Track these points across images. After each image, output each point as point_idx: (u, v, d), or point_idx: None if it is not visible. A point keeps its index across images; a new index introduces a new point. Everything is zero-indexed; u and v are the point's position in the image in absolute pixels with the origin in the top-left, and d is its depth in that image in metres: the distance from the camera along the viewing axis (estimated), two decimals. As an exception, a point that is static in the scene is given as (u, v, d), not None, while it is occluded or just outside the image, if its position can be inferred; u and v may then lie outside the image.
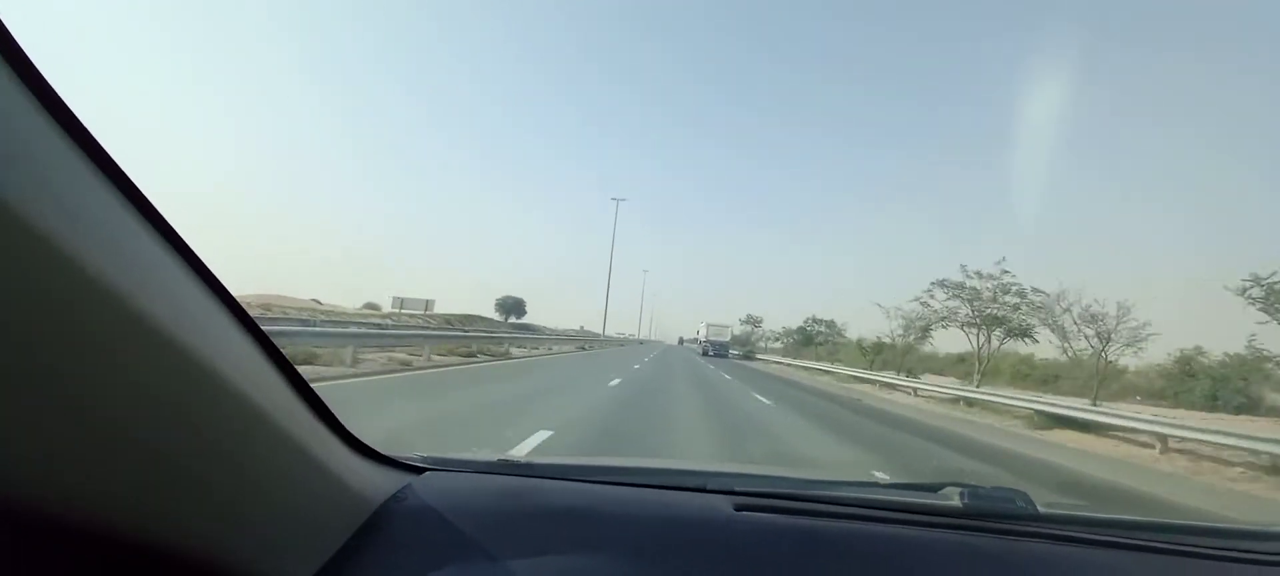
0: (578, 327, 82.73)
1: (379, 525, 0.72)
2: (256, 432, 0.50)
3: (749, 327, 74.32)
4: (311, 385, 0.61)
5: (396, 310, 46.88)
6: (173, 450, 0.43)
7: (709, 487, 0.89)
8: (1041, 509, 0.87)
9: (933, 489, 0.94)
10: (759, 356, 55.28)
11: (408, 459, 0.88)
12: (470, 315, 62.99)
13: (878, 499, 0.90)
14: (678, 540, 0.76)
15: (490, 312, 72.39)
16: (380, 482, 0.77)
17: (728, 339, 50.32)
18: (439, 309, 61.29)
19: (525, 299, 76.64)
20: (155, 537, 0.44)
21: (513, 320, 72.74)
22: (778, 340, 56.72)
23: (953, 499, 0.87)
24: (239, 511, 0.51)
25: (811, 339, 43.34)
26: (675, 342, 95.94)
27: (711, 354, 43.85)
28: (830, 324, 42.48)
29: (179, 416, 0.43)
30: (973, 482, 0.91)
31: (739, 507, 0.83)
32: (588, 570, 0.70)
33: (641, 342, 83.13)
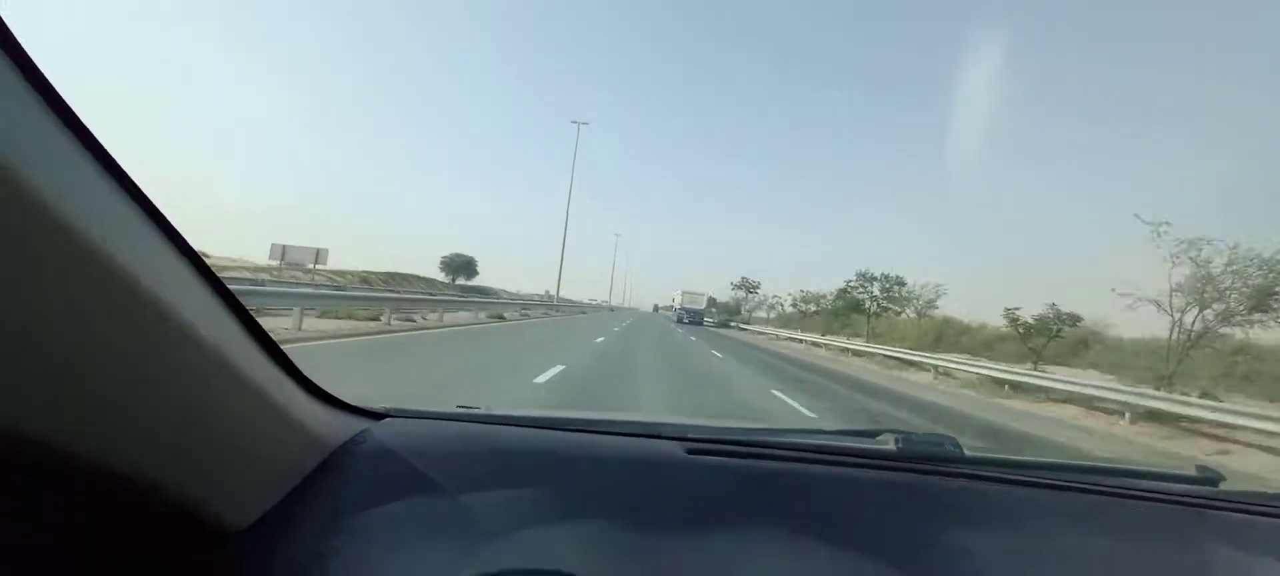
0: (543, 292, 71.85)
1: (337, 464, 0.74)
2: (214, 376, 0.52)
3: (742, 293, 62.17)
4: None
5: (276, 264, 33.77)
6: (132, 393, 0.46)
7: (663, 435, 0.92)
8: (968, 453, 0.94)
9: (871, 435, 0.99)
10: (751, 327, 44.16)
11: (368, 407, 0.89)
12: (401, 274, 49.83)
13: (820, 444, 0.96)
14: (631, 478, 0.79)
15: (436, 272, 59.35)
16: (339, 426, 0.79)
17: (702, 306, 48.69)
18: (386, 267, 48.52)
19: (476, 259, 63.57)
20: (113, 472, 0.47)
21: (461, 281, 60.19)
22: (795, 307, 42.60)
23: (888, 444, 0.93)
24: (195, 450, 0.54)
25: (859, 306, 28.12)
26: (650, 310, 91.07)
27: (686, 321, 42.90)
28: (897, 283, 26.56)
29: (139, 361, 0.45)
30: (906, 430, 0.96)
31: (691, 451, 0.86)
32: (542, 504, 0.71)
33: (613, 310, 73.01)
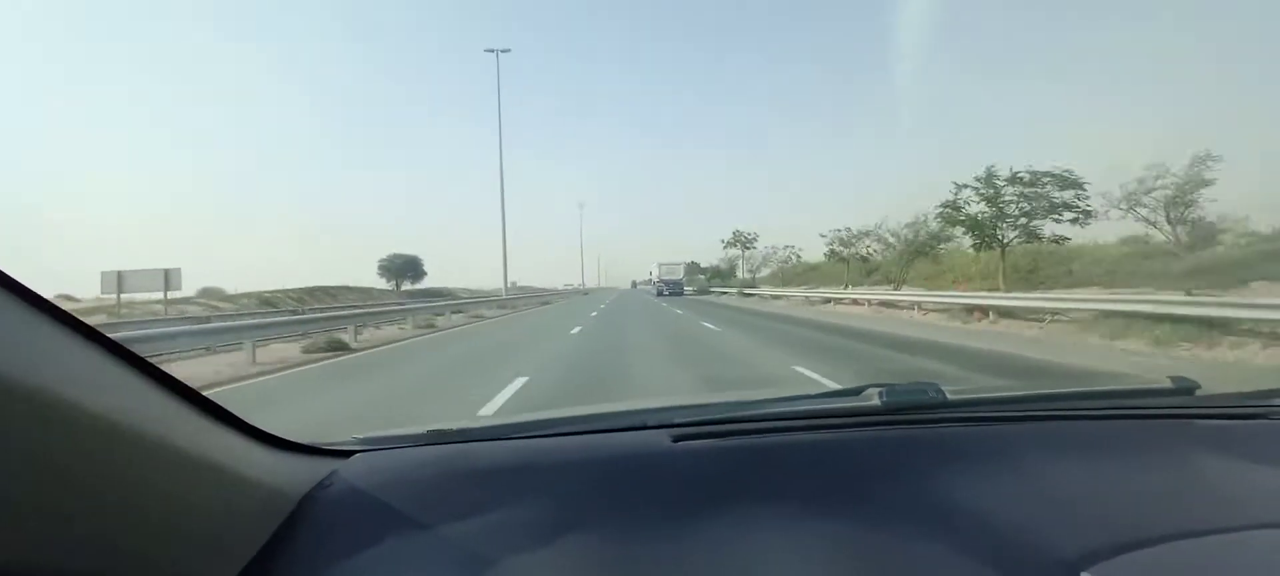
0: (510, 284, 62.51)
1: (305, 515, 0.68)
2: (133, 451, 0.46)
3: (736, 251, 52.38)
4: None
5: (111, 297, 23.96)
6: (40, 496, 0.40)
7: (649, 425, 0.89)
8: (951, 396, 0.91)
9: (855, 392, 0.96)
10: (759, 292, 35.16)
11: (333, 444, 0.84)
12: (327, 288, 39.26)
13: (804, 410, 0.94)
14: (618, 478, 0.76)
15: (372, 280, 48.95)
16: (302, 473, 0.73)
17: (681, 276, 48.14)
18: (316, 281, 38.34)
19: (421, 258, 53.72)
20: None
21: (408, 285, 50.07)
22: (834, 253, 29.37)
23: (872, 399, 0.90)
24: (128, 539, 0.48)
25: (986, 230, 15.87)
26: (629, 287, 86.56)
27: (666, 293, 41.81)
28: (1066, 182, 14.68)
29: (35, 458, 0.39)
30: (890, 381, 0.94)
31: (677, 438, 0.82)
32: (530, 523, 0.68)
33: (586, 293, 63.26)
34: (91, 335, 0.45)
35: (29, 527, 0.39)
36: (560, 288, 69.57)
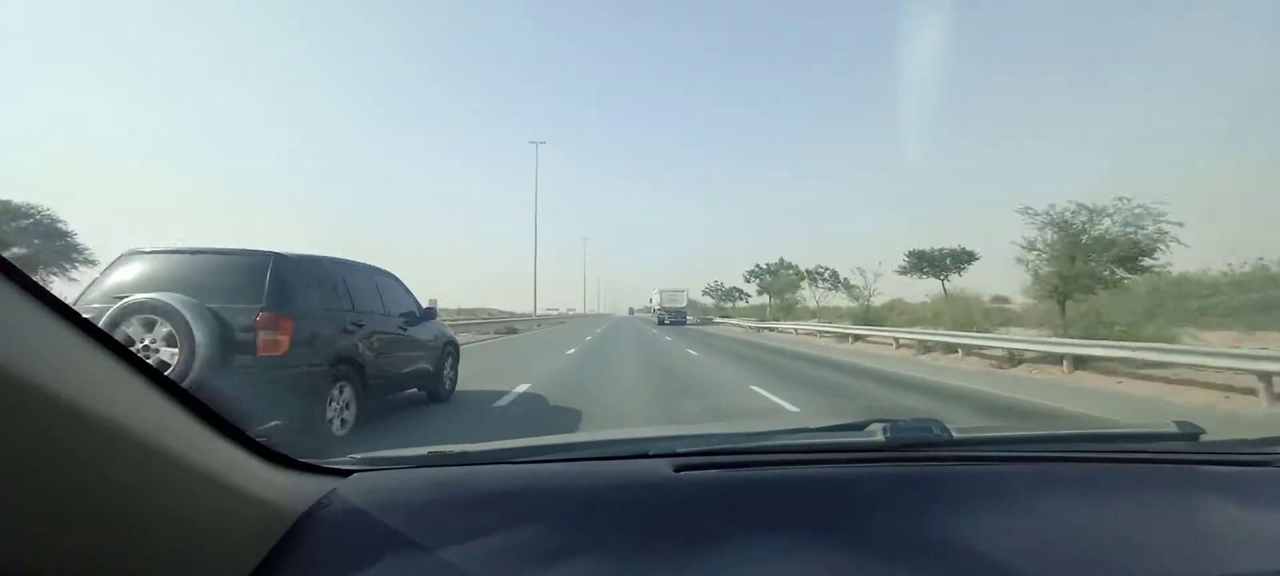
0: (461, 306, 46.00)
1: (302, 534, 0.68)
2: (131, 456, 0.45)
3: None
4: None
5: None
6: (38, 497, 0.39)
7: (651, 453, 0.89)
8: (955, 434, 0.91)
9: (859, 427, 0.95)
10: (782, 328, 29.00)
11: (333, 463, 0.84)
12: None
13: (808, 443, 0.94)
14: (620, 508, 0.76)
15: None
16: (301, 490, 0.72)
17: (683, 304, 45.53)
18: None
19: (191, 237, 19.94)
20: None
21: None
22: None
23: (877, 434, 0.90)
24: (120, 548, 0.46)
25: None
26: (625, 314, 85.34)
27: (667, 321, 40.29)
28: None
29: (37, 458, 0.38)
30: (894, 417, 0.93)
31: (679, 468, 0.83)
32: (530, 549, 0.68)
33: (536, 324, 34.68)
34: (99, 336, 0.43)
35: (23, 526, 0.38)
36: (540, 314, 46.44)
